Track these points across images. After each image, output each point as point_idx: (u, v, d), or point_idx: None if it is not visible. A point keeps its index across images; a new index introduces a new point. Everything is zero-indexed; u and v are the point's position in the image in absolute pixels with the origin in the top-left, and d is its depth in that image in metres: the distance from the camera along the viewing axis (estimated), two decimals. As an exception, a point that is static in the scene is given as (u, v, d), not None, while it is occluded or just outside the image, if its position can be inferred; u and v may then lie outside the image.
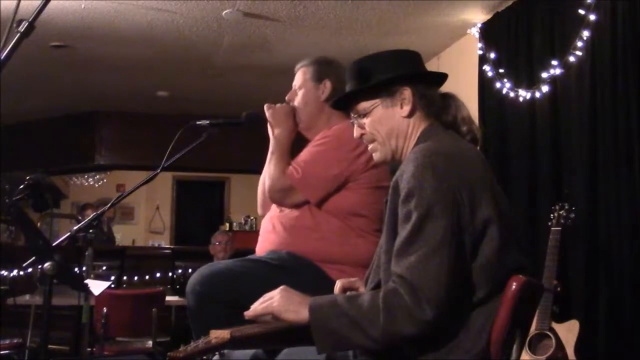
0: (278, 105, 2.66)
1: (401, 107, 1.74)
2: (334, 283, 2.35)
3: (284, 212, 2.58)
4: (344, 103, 1.85)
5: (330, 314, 1.56)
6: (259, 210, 2.79)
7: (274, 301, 1.63)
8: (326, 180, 2.47)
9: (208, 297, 2.37)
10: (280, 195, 2.53)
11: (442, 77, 1.85)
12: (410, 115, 1.74)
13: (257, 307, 1.66)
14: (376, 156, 1.81)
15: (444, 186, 1.54)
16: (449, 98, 1.80)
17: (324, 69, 2.64)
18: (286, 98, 2.67)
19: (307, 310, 1.58)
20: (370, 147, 1.82)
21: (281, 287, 1.67)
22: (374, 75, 1.75)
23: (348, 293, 1.88)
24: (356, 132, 1.82)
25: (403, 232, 1.54)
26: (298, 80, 2.67)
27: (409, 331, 1.48)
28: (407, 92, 1.73)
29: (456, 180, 1.56)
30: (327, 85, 2.61)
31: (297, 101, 2.64)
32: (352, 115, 1.82)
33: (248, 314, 1.66)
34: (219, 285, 2.39)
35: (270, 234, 2.59)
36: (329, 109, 2.57)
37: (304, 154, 2.58)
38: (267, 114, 2.62)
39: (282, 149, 2.58)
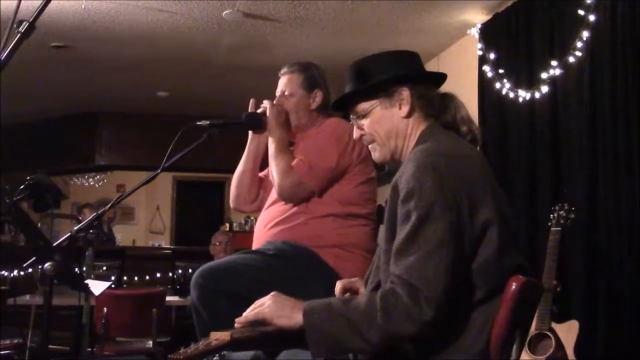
0: (280, 106, 2.68)
1: (400, 108, 1.74)
2: (330, 268, 2.41)
3: (277, 205, 2.63)
4: (342, 104, 1.85)
5: (325, 318, 1.54)
6: (232, 204, 2.87)
7: (265, 307, 1.60)
8: (329, 171, 2.55)
9: (209, 290, 2.43)
10: (293, 191, 2.56)
11: (441, 78, 1.85)
12: (409, 115, 1.74)
13: (248, 313, 1.62)
14: (375, 156, 1.81)
15: (444, 187, 1.54)
16: (448, 98, 1.80)
17: (313, 77, 2.71)
18: (274, 103, 2.69)
19: (300, 315, 1.55)
20: (369, 147, 1.82)
21: (272, 292, 1.63)
22: (373, 76, 1.75)
23: (347, 294, 1.88)
24: (356, 133, 1.82)
25: (402, 232, 1.54)
26: (287, 86, 2.71)
27: (409, 331, 1.48)
28: (405, 93, 1.73)
29: (456, 181, 1.56)
30: (318, 95, 2.69)
31: (287, 107, 2.68)
32: (352, 116, 1.82)
33: (239, 320, 1.61)
34: (220, 277, 2.45)
35: (265, 227, 2.64)
36: (315, 114, 2.71)
37: (304, 148, 2.63)
38: (272, 111, 2.63)
39: (287, 147, 2.63)
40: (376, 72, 1.75)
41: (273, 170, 2.60)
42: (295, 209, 2.57)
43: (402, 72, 1.76)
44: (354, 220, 2.57)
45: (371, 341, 1.50)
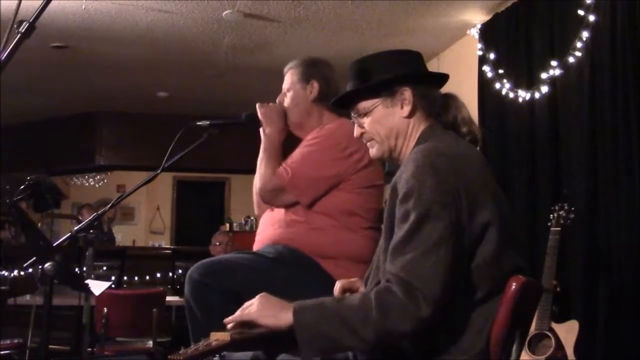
0: (271, 104, 2.67)
1: (401, 108, 1.74)
2: (329, 276, 2.38)
3: (279, 210, 2.60)
4: (344, 102, 1.85)
5: (317, 316, 1.52)
6: (256, 210, 2.81)
7: (252, 307, 1.57)
8: (316, 182, 2.50)
9: (204, 285, 2.39)
10: (271, 195, 2.55)
11: (442, 78, 1.84)
12: (410, 115, 1.74)
13: (236, 315, 1.60)
14: (372, 152, 1.81)
15: (443, 187, 1.54)
16: (450, 98, 1.80)
17: (310, 69, 2.67)
18: (277, 100, 2.69)
19: (289, 315, 1.52)
20: (368, 144, 1.82)
21: (261, 293, 1.61)
22: (375, 75, 1.75)
23: (347, 294, 1.88)
24: (356, 131, 1.82)
25: (400, 231, 1.54)
26: (286, 82, 2.70)
27: (404, 328, 1.47)
28: (407, 93, 1.73)
29: (456, 181, 1.56)
30: (315, 85, 2.65)
31: (286, 103, 2.66)
32: (353, 114, 1.82)
33: (227, 321, 1.60)
34: (215, 274, 2.41)
35: (266, 230, 2.62)
36: (319, 108, 2.66)
37: (295, 155, 2.60)
38: (260, 112, 2.64)
39: (273, 148, 2.60)
40: (378, 71, 1.75)
41: (257, 172, 2.59)
42: (295, 217, 2.53)
43: (405, 72, 1.76)
44: (355, 233, 2.51)
45: (366, 339, 1.49)
